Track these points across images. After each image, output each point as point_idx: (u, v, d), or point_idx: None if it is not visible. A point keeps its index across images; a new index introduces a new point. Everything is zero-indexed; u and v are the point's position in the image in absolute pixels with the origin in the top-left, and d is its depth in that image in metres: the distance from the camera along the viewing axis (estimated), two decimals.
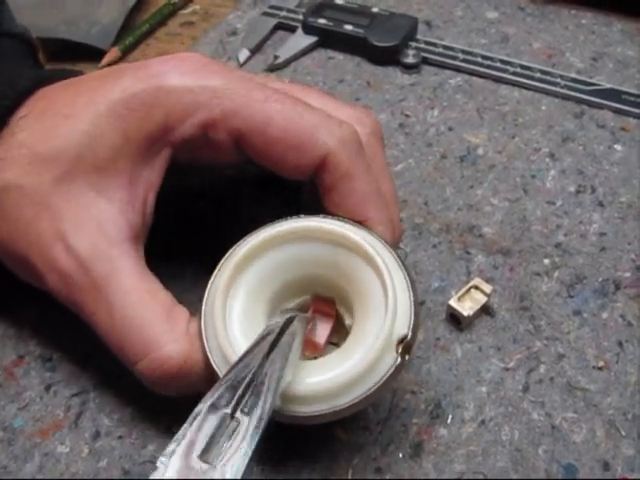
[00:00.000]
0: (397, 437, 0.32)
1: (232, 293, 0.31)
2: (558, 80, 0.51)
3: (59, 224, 0.31)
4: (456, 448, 0.32)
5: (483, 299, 0.36)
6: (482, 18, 0.58)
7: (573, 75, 0.52)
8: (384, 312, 0.29)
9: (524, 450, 0.32)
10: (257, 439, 0.24)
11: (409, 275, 0.30)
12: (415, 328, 0.29)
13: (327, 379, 0.28)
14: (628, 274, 0.39)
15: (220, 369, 0.29)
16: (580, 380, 0.34)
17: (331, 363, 0.29)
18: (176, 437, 0.24)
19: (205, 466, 0.23)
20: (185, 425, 0.24)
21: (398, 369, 0.28)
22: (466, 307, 0.36)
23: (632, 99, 0.49)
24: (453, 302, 0.36)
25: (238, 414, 0.25)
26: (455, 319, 0.36)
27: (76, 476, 0.31)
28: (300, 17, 0.56)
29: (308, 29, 0.56)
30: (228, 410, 0.24)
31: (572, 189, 0.44)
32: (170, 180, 0.34)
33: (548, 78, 0.51)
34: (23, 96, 0.33)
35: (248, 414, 0.25)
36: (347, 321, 0.32)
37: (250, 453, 0.24)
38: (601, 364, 0.35)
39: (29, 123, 0.32)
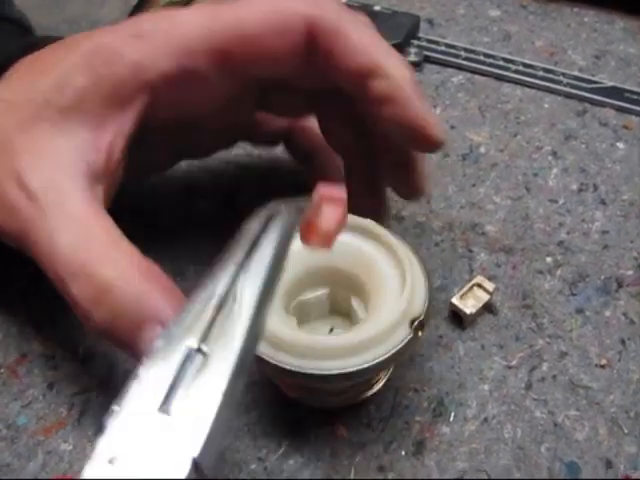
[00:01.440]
0: (399, 435, 0.32)
1: None
2: (560, 78, 0.51)
3: (15, 163, 0.30)
4: (458, 446, 0.32)
5: (485, 297, 0.36)
6: (484, 16, 0.58)
7: (575, 73, 0.51)
8: (400, 295, 0.30)
9: (526, 448, 0.32)
10: (232, 379, 0.20)
11: (424, 266, 0.32)
12: (428, 312, 0.30)
13: (339, 339, 0.30)
14: (630, 272, 0.39)
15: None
16: (582, 378, 0.34)
17: (343, 333, 0.31)
18: (131, 378, 0.19)
19: (164, 417, 0.19)
20: (140, 365, 0.20)
21: (410, 343, 0.29)
22: (468, 305, 0.36)
23: (635, 97, 0.49)
24: (455, 300, 0.36)
25: (206, 347, 0.20)
26: (457, 317, 0.36)
27: (79, 474, 0.31)
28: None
29: None
30: (194, 343, 0.20)
31: (574, 187, 0.44)
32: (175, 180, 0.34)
33: (550, 76, 0.51)
34: (11, 60, 0.33)
35: (221, 346, 0.20)
36: (361, 315, 0.32)
37: (222, 398, 0.19)
38: (603, 362, 0.35)
39: (11, 82, 0.32)
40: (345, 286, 0.33)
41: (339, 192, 0.28)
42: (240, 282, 0.22)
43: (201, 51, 0.31)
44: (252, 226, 0.23)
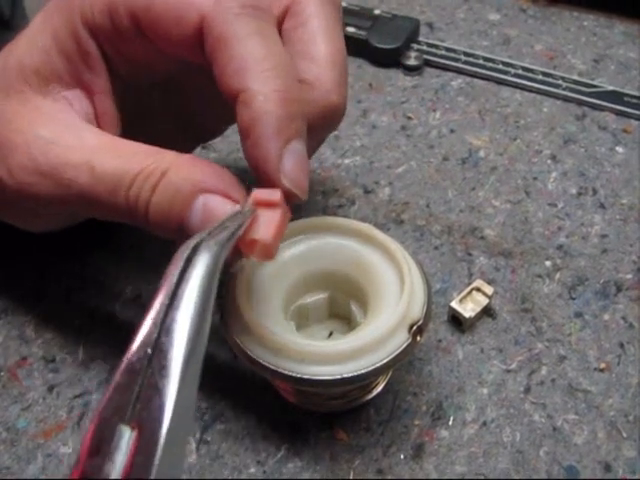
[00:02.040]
0: (398, 438, 0.32)
1: (249, 285, 0.31)
2: (560, 82, 0.51)
3: (13, 124, 0.30)
4: (457, 450, 0.32)
5: (485, 301, 0.36)
6: (484, 20, 0.58)
7: (575, 77, 0.52)
8: (399, 300, 0.30)
9: (525, 452, 0.32)
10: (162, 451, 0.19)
11: (424, 271, 0.32)
12: (427, 316, 0.30)
13: (337, 344, 0.29)
14: (629, 276, 0.39)
15: (253, 352, 0.29)
16: (581, 382, 0.34)
17: (342, 338, 0.31)
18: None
19: None
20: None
21: (408, 348, 0.29)
22: (468, 309, 0.36)
23: (634, 101, 0.49)
24: (455, 304, 0.36)
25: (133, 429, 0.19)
26: (457, 321, 0.36)
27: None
28: None
29: None
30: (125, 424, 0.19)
31: (574, 191, 0.44)
32: None
33: (550, 80, 0.51)
34: None
35: (149, 424, 0.19)
36: (360, 319, 0.33)
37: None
38: (602, 366, 0.35)
39: None
40: (344, 290, 0.33)
41: (274, 196, 0.27)
42: (164, 336, 0.21)
43: (121, 8, 0.30)
44: (176, 264, 0.23)
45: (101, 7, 0.30)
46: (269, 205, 0.27)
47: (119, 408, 0.19)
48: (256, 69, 0.27)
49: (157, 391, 0.19)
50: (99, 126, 0.32)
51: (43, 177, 0.30)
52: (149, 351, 0.20)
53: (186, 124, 0.38)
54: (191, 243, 0.23)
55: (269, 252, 0.27)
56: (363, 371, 0.28)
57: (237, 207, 0.27)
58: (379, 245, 0.32)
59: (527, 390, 0.34)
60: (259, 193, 0.27)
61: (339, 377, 0.28)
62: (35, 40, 0.31)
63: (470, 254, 0.40)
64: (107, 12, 0.30)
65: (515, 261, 0.40)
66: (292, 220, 0.30)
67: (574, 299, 0.38)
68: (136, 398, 0.19)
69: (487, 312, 0.37)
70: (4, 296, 0.38)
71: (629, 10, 0.58)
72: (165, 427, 0.19)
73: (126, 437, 0.19)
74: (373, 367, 0.28)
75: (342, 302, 0.34)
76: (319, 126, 0.30)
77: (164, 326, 0.21)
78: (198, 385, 0.21)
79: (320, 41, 0.31)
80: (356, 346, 0.29)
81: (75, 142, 0.29)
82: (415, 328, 0.29)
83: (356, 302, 0.33)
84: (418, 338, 0.30)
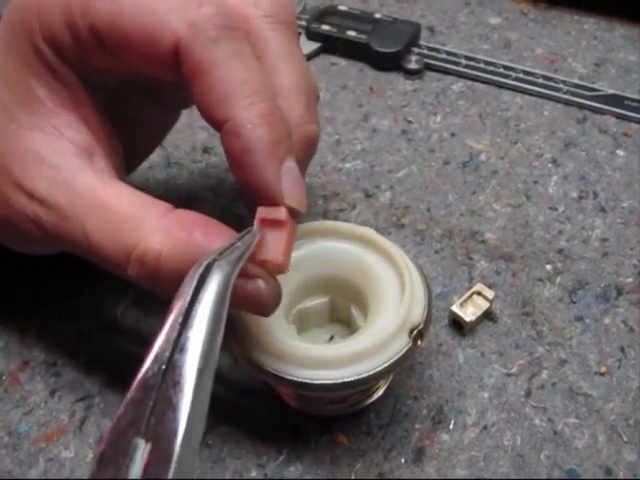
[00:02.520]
0: (399, 442, 0.32)
1: None
2: (560, 86, 0.51)
3: (11, 175, 0.30)
4: (458, 453, 0.32)
5: (485, 305, 0.36)
6: (485, 24, 0.58)
7: (575, 81, 0.52)
8: (400, 304, 0.30)
9: (526, 455, 0.32)
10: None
11: (424, 275, 0.32)
12: (428, 320, 0.30)
13: (338, 348, 0.29)
14: (630, 279, 0.39)
15: (254, 357, 0.29)
16: (582, 386, 0.34)
17: (343, 342, 0.31)
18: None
19: None
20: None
21: (409, 352, 0.29)
22: (468, 313, 0.36)
23: (634, 105, 0.49)
24: (455, 308, 0.36)
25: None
26: (457, 324, 0.36)
27: None
28: (303, 23, 0.57)
29: (311, 35, 0.56)
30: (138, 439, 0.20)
31: (574, 195, 0.44)
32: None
33: (550, 84, 0.51)
34: None
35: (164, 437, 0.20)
36: (361, 323, 0.33)
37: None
38: (603, 370, 0.35)
39: None
40: (345, 294, 0.33)
41: (279, 215, 0.27)
42: (177, 353, 0.21)
43: (80, 23, 0.29)
44: (189, 283, 0.23)
45: (59, 24, 0.29)
46: (275, 224, 0.27)
47: (134, 421, 0.20)
48: (240, 95, 0.27)
49: (171, 406, 0.20)
50: (95, 147, 0.31)
51: (46, 233, 0.30)
52: (163, 367, 0.21)
53: (160, 100, 0.37)
54: (203, 263, 0.24)
55: (282, 269, 0.28)
56: (364, 375, 0.28)
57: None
58: (379, 249, 0.33)
59: (528, 394, 0.34)
60: (264, 213, 0.28)
61: (340, 381, 0.28)
62: (7, 72, 0.30)
63: (471, 258, 0.40)
64: (66, 28, 0.29)
65: (516, 265, 0.40)
66: None
67: (575, 303, 0.38)
68: (150, 412, 0.20)
69: (488, 316, 0.37)
70: (5, 300, 0.38)
71: (629, 13, 0.58)
72: (179, 440, 0.19)
73: (141, 449, 0.19)
74: (374, 371, 0.29)
75: (343, 306, 0.34)
76: (299, 157, 0.30)
77: (178, 344, 0.21)
78: (209, 399, 0.21)
79: (283, 71, 0.31)
80: (357, 350, 0.29)
81: (69, 202, 0.29)
82: (416, 332, 0.30)
83: (357, 306, 0.33)
84: (419, 342, 0.30)
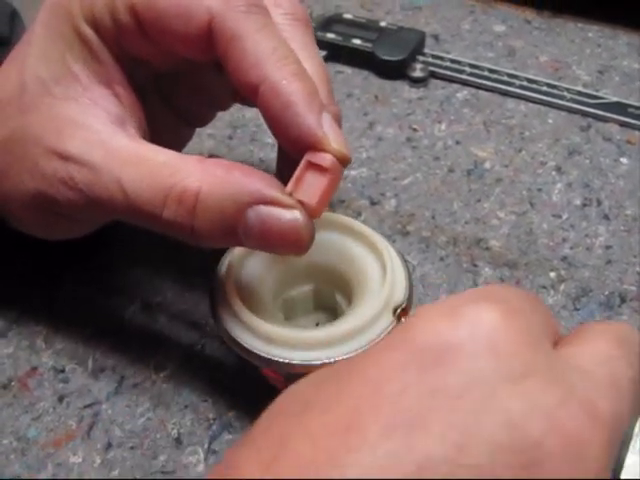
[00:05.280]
0: None
1: (237, 280, 0.32)
2: (564, 93, 0.51)
3: (44, 144, 0.30)
4: None
5: None
6: (489, 32, 0.59)
7: (579, 88, 0.52)
8: (382, 286, 0.31)
9: None
10: None
11: (404, 258, 0.34)
12: (410, 298, 0.32)
13: (326, 329, 0.31)
14: (634, 287, 0.39)
15: (244, 341, 0.30)
16: None
17: (330, 325, 0.32)
18: None
19: None
20: None
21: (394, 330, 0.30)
22: None
23: (638, 112, 0.50)
24: None
25: None
26: None
27: None
28: None
29: (317, 43, 0.56)
30: None
31: (578, 202, 0.44)
32: None
33: (554, 91, 0.52)
34: None
35: None
36: (346, 309, 0.34)
37: None
38: None
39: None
40: (329, 282, 0.35)
41: (326, 160, 0.28)
42: None
43: (120, 4, 0.30)
44: None
45: (99, 6, 0.30)
46: (319, 169, 0.28)
47: None
48: (271, 59, 0.29)
49: None
50: (128, 119, 0.32)
51: (80, 194, 0.30)
52: None
53: (178, 112, 0.38)
54: None
55: (314, 214, 0.28)
56: (352, 354, 0.29)
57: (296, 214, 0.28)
58: (360, 236, 0.34)
59: None
60: (311, 156, 0.28)
61: (331, 360, 0.29)
62: (45, 50, 0.32)
63: (475, 265, 0.40)
64: (106, 9, 0.30)
65: (520, 272, 0.40)
66: None
67: (578, 310, 0.38)
68: None
69: None
70: (14, 307, 0.39)
71: (633, 21, 0.58)
72: None
73: None
74: (361, 349, 0.29)
75: (327, 293, 0.35)
76: None
77: None
78: None
79: (304, 58, 0.32)
80: (344, 330, 0.30)
81: (104, 157, 0.30)
82: (399, 311, 0.31)
83: (341, 292, 0.35)
84: (402, 320, 0.31)
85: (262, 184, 0.28)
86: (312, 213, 0.28)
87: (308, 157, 0.28)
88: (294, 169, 0.29)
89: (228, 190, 0.28)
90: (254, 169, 0.29)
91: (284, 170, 0.30)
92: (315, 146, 0.28)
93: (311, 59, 0.32)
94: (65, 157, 0.30)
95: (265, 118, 0.30)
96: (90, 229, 0.35)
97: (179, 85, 0.37)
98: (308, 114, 0.28)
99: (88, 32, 0.31)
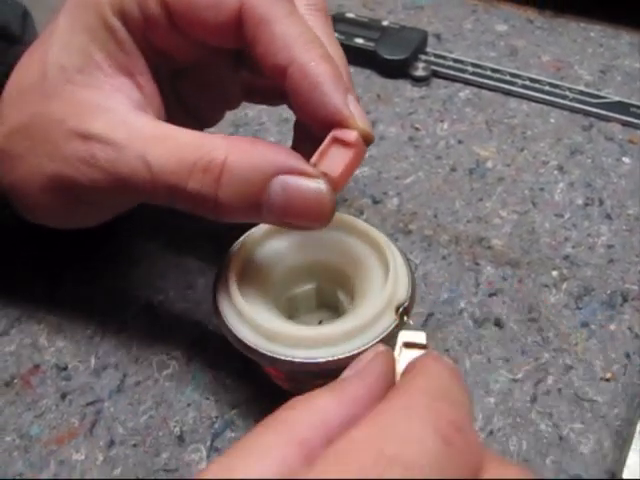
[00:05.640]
0: None
1: (240, 279, 0.32)
2: (567, 93, 0.51)
3: (65, 127, 0.31)
4: None
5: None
6: (491, 31, 0.59)
7: (581, 88, 0.52)
8: (385, 284, 0.31)
9: (532, 461, 0.32)
10: None
11: (406, 256, 0.33)
12: (412, 298, 0.32)
13: (329, 327, 0.31)
14: (636, 286, 0.39)
15: (247, 340, 0.30)
16: (588, 391, 0.35)
17: (332, 323, 0.32)
18: None
19: None
20: None
21: (396, 328, 0.30)
22: None
23: None
24: None
25: None
26: None
27: None
28: None
29: None
30: None
31: (580, 202, 0.44)
32: None
33: (557, 91, 0.52)
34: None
35: None
36: (348, 307, 0.34)
37: None
38: (608, 375, 0.35)
39: (15, 73, 0.33)
40: (331, 280, 0.35)
41: (351, 135, 0.29)
42: None
43: (152, 2, 0.31)
44: None
45: None
46: (344, 144, 0.29)
47: None
48: (299, 42, 0.30)
49: None
50: (148, 107, 0.32)
51: (102, 172, 0.30)
52: None
53: (188, 110, 0.39)
54: None
55: (336, 187, 0.29)
56: (355, 352, 0.29)
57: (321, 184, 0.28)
58: (362, 234, 0.34)
59: (533, 399, 0.34)
60: (337, 133, 0.29)
61: (333, 358, 0.29)
62: (69, 40, 0.32)
63: (477, 264, 0.40)
64: (136, 1, 0.31)
65: (522, 271, 0.40)
66: None
67: (580, 309, 0.38)
68: None
69: (495, 322, 0.37)
70: (17, 305, 0.39)
71: (636, 21, 0.58)
72: None
73: None
74: (364, 347, 0.29)
75: (330, 291, 0.35)
76: None
77: None
78: None
79: (327, 44, 0.32)
80: (347, 328, 0.30)
81: (127, 136, 0.30)
82: (402, 309, 0.31)
83: (343, 290, 0.35)
84: (405, 318, 0.31)
85: (287, 156, 0.29)
86: (335, 185, 0.29)
87: (334, 133, 0.29)
88: (312, 148, 0.30)
89: (254, 160, 0.28)
90: (278, 144, 0.29)
91: (300, 149, 0.31)
92: (341, 124, 0.29)
93: (333, 46, 0.33)
94: (87, 137, 0.30)
95: (292, 98, 0.31)
96: (106, 217, 0.35)
97: (192, 82, 0.37)
98: (335, 94, 0.29)
99: (115, 23, 0.31)
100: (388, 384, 0.23)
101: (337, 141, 0.29)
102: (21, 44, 0.39)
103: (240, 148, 0.29)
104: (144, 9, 0.31)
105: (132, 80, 0.32)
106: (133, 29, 0.32)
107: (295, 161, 0.29)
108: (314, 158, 0.29)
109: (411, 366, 0.23)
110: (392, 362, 0.24)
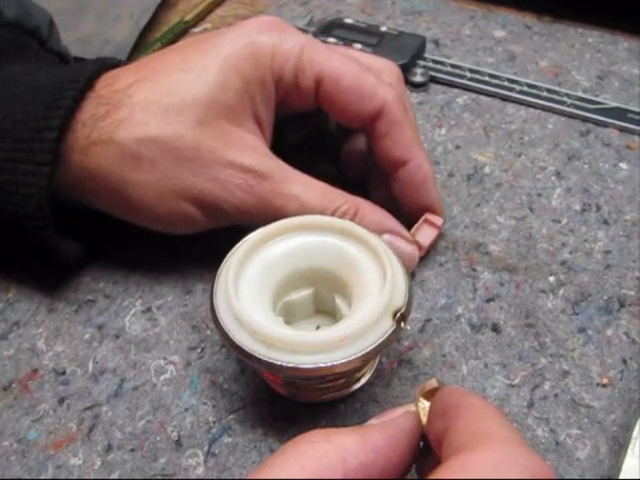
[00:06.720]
0: None
1: (238, 284, 0.33)
2: (564, 99, 0.51)
3: (220, 155, 0.36)
4: None
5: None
6: (489, 37, 0.59)
7: (579, 94, 0.52)
8: (382, 289, 0.32)
9: None
10: None
11: (402, 261, 0.34)
12: (409, 303, 0.32)
13: (326, 333, 0.31)
14: (633, 292, 0.39)
15: (245, 345, 0.30)
16: (584, 397, 0.35)
17: (330, 329, 0.32)
18: None
19: None
20: None
21: (394, 334, 0.31)
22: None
23: (637, 117, 0.50)
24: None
25: None
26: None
27: None
28: (310, 36, 0.57)
29: None
30: None
31: (577, 207, 0.44)
32: None
33: (554, 97, 0.52)
34: (93, 78, 0.37)
35: None
36: (345, 313, 0.34)
37: None
38: (605, 381, 0.35)
39: (142, 86, 0.37)
40: (329, 286, 0.35)
41: (439, 220, 0.41)
42: None
43: (311, 74, 0.38)
44: None
45: (291, 66, 0.38)
46: (433, 225, 0.41)
47: None
48: (416, 144, 0.39)
49: None
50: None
51: (255, 198, 0.36)
52: None
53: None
54: None
55: (422, 252, 0.40)
56: (352, 357, 0.30)
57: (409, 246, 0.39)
58: (360, 240, 0.34)
59: (530, 405, 0.34)
60: (429, 216, 0.41)
61: (330, 364, 0.29)
62: (225, 81, 0.36)
63: (475, 270, 0.40)
64: (294, 72, 0.38)
65: (519, 276, 0.40)
66: None
67: (577, 314, 0.38)
68: None
69: (492, 327, 0.37)
70: (15, 309, 0.39)
71: (633, 27, 0.59)
72: None
73: None
74: (361, 353, 0.30)
75: (327, 297, 0.35)
76: None
77: None
78: None
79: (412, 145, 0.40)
80: (344, 334, 0.30)
81: (281, 176, 0.37)
82: (399, 315, 0.31)
83: (340, 296, 0.35)
84: (402, 324, 0.31)
85: (397, 224, 0.39)
86: (421, 251, 0.40)
87: (427, 216, 0.40)
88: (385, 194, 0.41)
89: (375, 217, 0.38)
90: (394, 218, 0.39)
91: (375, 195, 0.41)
92: (433, 211, 0.41)
93: (419, 147, 0.41)
94: (244, 169, 0.36)
95: (400, 182, 0.40)
96: (213, 226, 0.39)
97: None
98: (433, 189, 0.40)
99: (269, 81, 0.38)
100: (411, 442, 0.25)
101: (428, 222, 0.40)
102: (45, 46, 0.43)
103: (367, 204, 0.38)
104: (299, 80, 0.38)
105: (260, 128, 0.38)
106: (281, 91, 0.38)
107: (402, 229, 0.39)
108: (412, 230, 0.40)
109: (448, 405, 0.25)
110: (419, 424, 0.26)
